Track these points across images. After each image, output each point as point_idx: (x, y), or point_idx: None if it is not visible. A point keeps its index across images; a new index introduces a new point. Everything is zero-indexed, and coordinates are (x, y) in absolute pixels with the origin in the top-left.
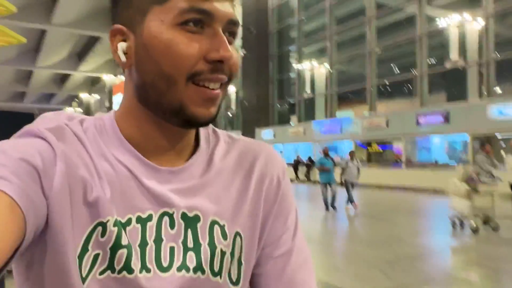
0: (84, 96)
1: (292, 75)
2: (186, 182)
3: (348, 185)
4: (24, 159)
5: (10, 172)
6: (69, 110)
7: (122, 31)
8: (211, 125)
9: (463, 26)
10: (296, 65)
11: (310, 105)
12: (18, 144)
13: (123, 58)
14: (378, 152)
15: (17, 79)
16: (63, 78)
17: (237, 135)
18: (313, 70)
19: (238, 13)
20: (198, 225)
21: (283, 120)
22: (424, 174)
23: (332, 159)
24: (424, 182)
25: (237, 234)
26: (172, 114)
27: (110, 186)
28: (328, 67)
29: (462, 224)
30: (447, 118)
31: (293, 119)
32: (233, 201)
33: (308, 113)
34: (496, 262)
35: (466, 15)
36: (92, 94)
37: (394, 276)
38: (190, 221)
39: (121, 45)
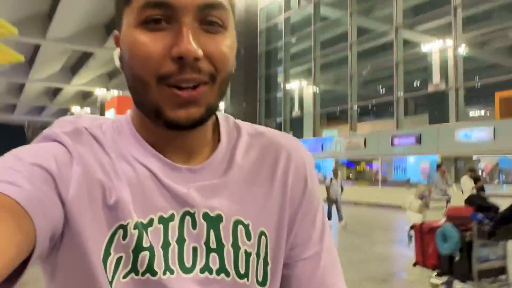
0: (75, 109)
1: (280, 94)
2: (207, 181)
3: (331, 203)
4: (39, 164)
5: (22, 177)
6: (88, 112)
7: (117, 37)
8: (232, 118)
9: (444, 51)
10: (282, 85)
11: (299, 124)
12: (34, 150)
13: (117, 63)
14: (363, 171)
15: (9, 91)
16: (55, 92)
17: (262, 126)
18: (302, 89)
19: None
20: (221, 225)
21: None
22: (398, 192)
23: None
24: (397, 199)
25: (262, 233)
26: (153, 118)
27: (130, 187)
28: (312, 88)
29: None
30: (419, 140)
31: None
32: (257, 199)
33: (297, 132)
34: None
35: (440, 42)
36: (84, 108)
37: None
38: (213, 221)
39: (117, 51)
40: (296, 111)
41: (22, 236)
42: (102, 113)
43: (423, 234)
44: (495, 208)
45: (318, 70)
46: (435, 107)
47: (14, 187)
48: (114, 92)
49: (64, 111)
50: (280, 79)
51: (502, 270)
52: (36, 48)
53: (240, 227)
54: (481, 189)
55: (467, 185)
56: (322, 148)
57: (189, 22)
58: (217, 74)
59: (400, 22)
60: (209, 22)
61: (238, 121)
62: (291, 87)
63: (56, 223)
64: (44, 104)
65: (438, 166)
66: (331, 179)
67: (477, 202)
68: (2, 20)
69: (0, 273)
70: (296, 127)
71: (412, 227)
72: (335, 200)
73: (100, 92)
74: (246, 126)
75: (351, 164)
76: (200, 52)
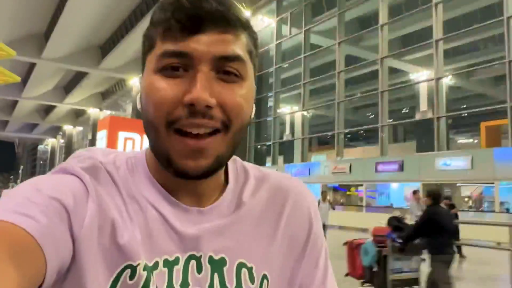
0: (67, 127)
1: (270, 119)
2: (214, 222)
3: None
4: (56, 198)
5: (39, 211)
6: (102, 146)
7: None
8: (239, 160)
9: (431, 81)
10: (273, 110)
11: (289, 147)
12: (53, 182)
13: (138, 105)
14: (352, 195)
15: (1, 108)
16: (48, 109)
17: (267, 168)
18: (293, 114)
19: (240, 44)
20: (225, 268)
21: (260, 162)
22: (380, 217)
23: None
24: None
25: (264, 277)
26: (165, 164)
27: (139, 228)
28: (301, 113)
29: None
30: (401, 167)
31: (269, 161)
32: (262, 242)
33: (287, 156)
34: None
35: (427, 71)
36: (76, 127)
37: None
38: (217, 265)
39: (139, 94)
40: (287, 135)
41: (33, 271)
42: (94, 132)
43: (353, 249)
44: (408, 229)
45: (307, 96)
46: (422, 135)
47: (30, 220)
48: (107, 112)
49: (56, 129)
50: (271, 103)
51: (415, 281)
52: (31, 66)
53: (243, 270)
54: (455, 216)
55: None
56: (309, 173)
57: (205, 71)
58: (230, 124)
59: (385, 53)
60: (225, 72)
61: (245, 164)
62: (282, 112)
63: (65, 258)
64: (36, 121)
65: (414, 193)
66: (319, 202)
67: (394, 223)
68: (1, 43)
69: None
70: (286, 151)
71: (345, 243)
72: (322, 223)
73: (92, 112)
74: (253, 169)
75: (342, 189)
76: (212, 101)
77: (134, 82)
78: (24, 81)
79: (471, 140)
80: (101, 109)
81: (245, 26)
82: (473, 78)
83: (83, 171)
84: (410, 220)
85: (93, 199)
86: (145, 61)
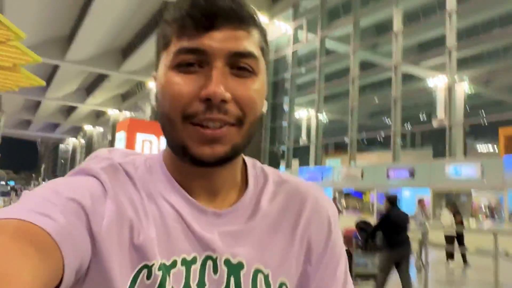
0: (88, 128)
1: (285, 123)
2: (231, 226)
3: None
4: (74, 199)
5: (58, 211)
6: (121, 147)
7: (155, 78)
8: (259, 163)
9: (449, 87)
10: (288, 114)
11: (303, 152)
12: (72, 184)
13: (153, 102)
14: (367, 201)
15: (25, 108)
16: (70, 110)
17: (287, 174)
18: (310, 119)
19: (252, 41)
20: (242, 272)
21: (274, 165)
22: None
23: None
24: None
25: (282, 283)
26: (180, 154)
27: (156, 228)
28: (315, 118)
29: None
30: (412, 174)
31: (284, 164)
32: (279, 248)
33: (302, 160)
34: None
35: (444, 78)
36: (96, 127)
37: None
38: (234, 268)
39: (154, 90)
40: (302, 140)
41: (49, 269)
42: (113, 132)
43: None
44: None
45: (322, 101)
46: (438, 141)
47: (48, 219)
48: (126, 114)
49: (77, 129)
50: (286, 108)
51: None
52: (55, 68)
53: (260, 276)
54: (460, 223)
55: (446, 219)
56: (322, 177)
57: (219, 66)
58: (244, 118)
59: (399, 60)
60: (239, 67)
61: (265, 167)
62: (297, 116)
63: (84, 258)
64: (58, 121)
65: (419, 201)
66: None
67: (360, 225)
68: (28, 50)
69: None
70: (301, 154)
71: None
72: None
73: (112, 113)
74: (272, 174)
75: (359, 194)
76: (227, 95)
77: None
78: (48, 82)
79: (490, 147)
80: (120, 110)
81: (257, 23)
82: (492, 84)
83: (101, 171)
84: (415, 225)
85: (112, 199)
86: (160, 58)
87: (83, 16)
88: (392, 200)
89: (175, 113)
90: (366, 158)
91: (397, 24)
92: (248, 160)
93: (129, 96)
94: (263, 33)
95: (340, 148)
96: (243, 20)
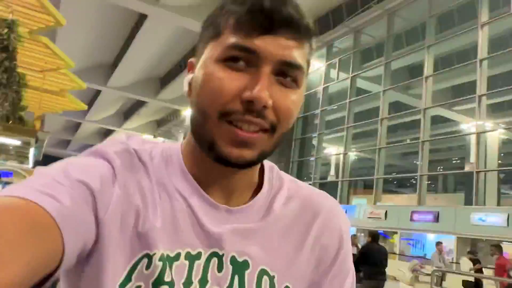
0: None
1: (312, 158)
2: (242, 223)
3: None
4: (83, 181)
5: (65, 192)
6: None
7: (192, 64)
8: (276, 168)
9: (479, 133)
10: (315, 150)
11: (333, 188)
12: (82, 165)
13: (185, 88)
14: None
15: (65, 128)
16: (107, 133)
17: (303, 182)
18: (339, 156)
19: (302, 54)
20: (246, 272)
21: None
22: (402, 264)
23: None
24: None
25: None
26: (206, 149)
27: (164, 218)
28: (343, 155)
29: None
30: (436, 218)
31: None
32: (287, 252)
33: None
34: None
35: (476, 123)
36: None
37: None
38: (239, 267)
39: (188, 77)
40: (331, 176)
41: (46, 251)
42: None
43: None
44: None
45: (350, 138)
46: (471, 187)
47: (53, 200)
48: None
49: None
50: (315, 143)
51: None
52: (97, 93)
53: (265, 277)
54: (480, 271)
55: (465, 266)
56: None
57: (267, 72)
58: (278, 126)
59: (429, 103)
60: (284, 76)
61: (282, 173)
62: (325, 153)
63: (87, 241)
64: (94, 143)
65: (437, 244)
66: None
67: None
68: (75, 77)
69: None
70: (329, 191)
71: None
72: None
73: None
74: (289, 180)
75: (386, 235)
76: (270, 102)
77: (187, 113)
78: (89, 106)
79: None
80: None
81: (311, 37)
82: None
83: (114, 155)
84: (429, 269)
85: (120, 184)
86: (205, 46)
87: (127, 45)
88: (372, 236)
89: (213, 108)
90: (394, 200)
91: (428, 68)
92: (267, 162)
93: (163, 123)
94: (311, 47)
95: (369, 187)
96: (300, 31)
